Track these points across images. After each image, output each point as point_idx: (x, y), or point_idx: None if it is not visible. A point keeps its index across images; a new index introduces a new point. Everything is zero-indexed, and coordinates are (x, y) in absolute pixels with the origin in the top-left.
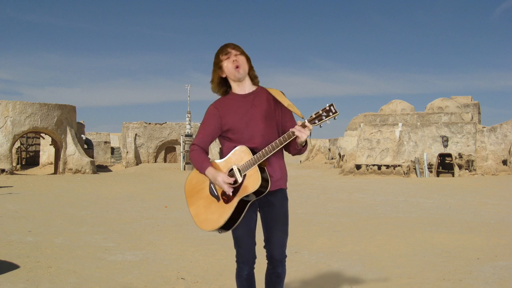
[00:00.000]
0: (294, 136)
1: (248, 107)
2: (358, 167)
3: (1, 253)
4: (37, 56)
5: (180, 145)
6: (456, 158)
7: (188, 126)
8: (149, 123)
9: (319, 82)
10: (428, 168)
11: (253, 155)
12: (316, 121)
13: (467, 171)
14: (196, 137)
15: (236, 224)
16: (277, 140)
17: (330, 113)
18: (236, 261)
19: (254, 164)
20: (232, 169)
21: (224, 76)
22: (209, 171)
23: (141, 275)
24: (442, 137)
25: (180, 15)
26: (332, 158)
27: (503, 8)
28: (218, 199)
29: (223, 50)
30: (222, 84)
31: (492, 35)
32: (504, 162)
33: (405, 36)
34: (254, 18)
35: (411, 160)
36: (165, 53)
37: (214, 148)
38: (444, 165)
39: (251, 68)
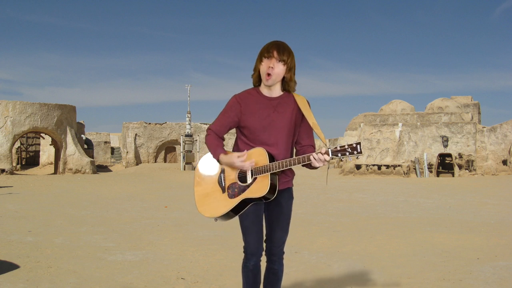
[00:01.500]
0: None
1: (271, 111)
2: (358, 167)
3: (1, 253)
4: (37, 56)
5: (180, 145)
6: (456, 158)
7: (188, 126)
8: (149, 123)
9: (319, 82)
10: (428, 168)
11: (270, 161)
12: (339, 154)
13: (467, 171)
14: (214, 123)
15: (239, 214)
16: (295, 159)
17: (355, 152)
18: (244, 252)
19: (267, 172)
20: (250, 162)
21: None
22: (223, 157)
23: (141, 275)
24: (442, 137)
25: (180, 15)
26: (332, 158)
27: (503, 8)
28: (223, 191)
29: (269, 50)
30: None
31: (492, 35)
32: (504, 162)
33: (405, 36)
34: (254, 18)
35: (411, 160)
36: (165, 53)
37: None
38: (444, 165)
39: (290, 78)
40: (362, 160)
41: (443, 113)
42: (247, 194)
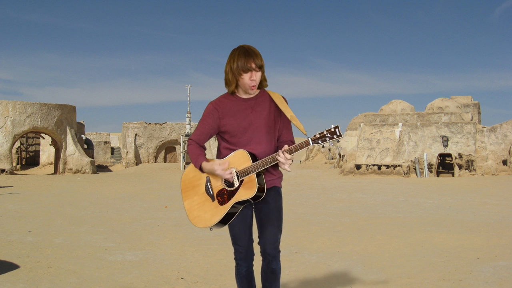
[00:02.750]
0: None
1: (249, 112)
2: (358, 167)
3: (1, 253)
4: (37, 56)
5: (180, 145)
6: (456, 158)
7: (188, 126)
8: (149, 123)
9: (319, 82)
10: (428, 168)
11: (252, 160)
12: (320, 141)
13: (467, 171)
14: (193, 133)
15: (230, 222)
16: (270, 156)
17: (334, 136)
18: (235, 259)
19: (252, 172)
20: (230, 172)
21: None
22: (205, 165)
23: (141, 275)
24: (442, 137)
25: (180, 15)
26: (332, 158)
27: (503, 8)
28: (213, 199)
29: (246, 64)
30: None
31: (492, 35)
32: (504, 162)
33: (405, 36)
34: (254, 18)
35: (411, 160)
36: (165, 53)
37: (214, 148)
38: (444, 165)
39: (264, 78)
40: (362, 160)
41: (443, 113)
42: (237, 198)
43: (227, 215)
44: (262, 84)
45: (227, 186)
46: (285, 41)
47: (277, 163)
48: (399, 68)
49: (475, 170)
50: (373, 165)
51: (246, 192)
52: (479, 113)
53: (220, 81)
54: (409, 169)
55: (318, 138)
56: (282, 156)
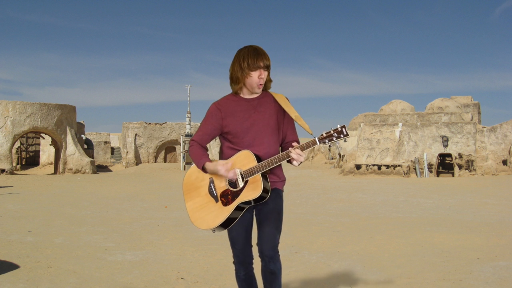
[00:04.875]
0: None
1: (252, 112)
2: (358, 167)
3: (1, 253)
4: (37, 56)
5: (180, 145)
6: (456, 158)
7: (188, 126)
8: (149, 123)
9: (319, 82)
10: (428, 168)
11: (257, 161)
12: (326, 141)
13: (467, 171)
14: (196, 134)
15: (231, 225)
16: (280, 155)
17: (341, 135)
18: (233, 262)
19: (257, 172)
20: (233, 172)
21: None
22: (208, 165)
23: (141, 275)
24: (442, 137)
25: (180, 15)
26: (332, 158)
27: (503, 8)
28: (216, 200)
29: (255, 63)
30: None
31: (492, 35)
32: (504, 162)
33: (405, 36)
34: (254, 18)
35: (411, 160)
36: (165, 53)
37: (214, 148)
38: (444, 165)
39: (269, 79)
40: (362, 160)
41: (443, 113)
42: (242, 198)
43: (229, 217)
44: (266, 85)
45: (232, 187)
46: (285, 41)
47: (280, 165)
48: (399, 68)
49: (475, 170)
50: (373, 165)
51: (251, 193)
52: (479, 113)
53: (220, 81)
54: (409, 169)
55: (325, 138)
56: (294, 152)
